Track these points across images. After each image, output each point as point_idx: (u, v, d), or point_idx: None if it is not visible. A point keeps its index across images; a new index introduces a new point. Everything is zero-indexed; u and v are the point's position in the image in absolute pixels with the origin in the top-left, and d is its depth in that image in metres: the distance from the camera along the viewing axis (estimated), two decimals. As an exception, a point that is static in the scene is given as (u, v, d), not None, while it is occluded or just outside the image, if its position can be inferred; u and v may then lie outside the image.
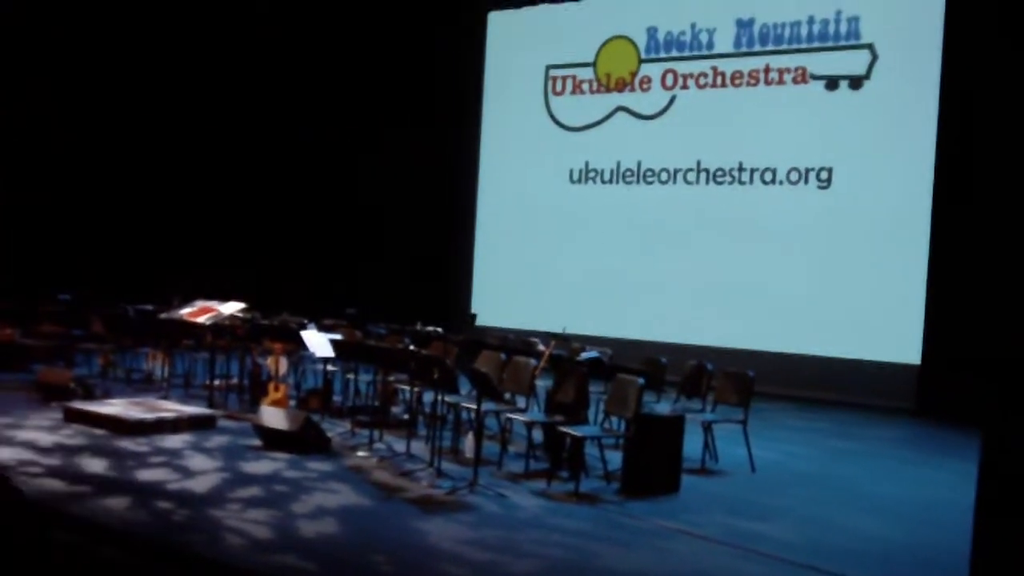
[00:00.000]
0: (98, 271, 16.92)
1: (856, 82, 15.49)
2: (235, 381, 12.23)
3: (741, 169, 16.51)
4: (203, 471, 8.31)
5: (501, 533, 6.96)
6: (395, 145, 19.64)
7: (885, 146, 15.18)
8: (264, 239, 19.86)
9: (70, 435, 9.50)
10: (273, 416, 9.59)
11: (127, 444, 9.22)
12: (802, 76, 16.00)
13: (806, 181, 15.89)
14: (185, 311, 11.53)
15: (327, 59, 19.83)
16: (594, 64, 18.20)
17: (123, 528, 6.57)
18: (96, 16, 17.93)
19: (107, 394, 11.70)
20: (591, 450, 9.19)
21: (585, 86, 18.32)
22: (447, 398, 9.47)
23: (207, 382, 11.92)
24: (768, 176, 16.23)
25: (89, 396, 11.28)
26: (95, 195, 18.10)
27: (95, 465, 8.28)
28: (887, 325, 14.89)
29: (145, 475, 8.05)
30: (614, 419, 10.05)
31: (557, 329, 10.52)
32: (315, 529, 6.75)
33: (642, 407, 8.65)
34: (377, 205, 19.95)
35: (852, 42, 15.60)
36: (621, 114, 17.84)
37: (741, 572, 6.49)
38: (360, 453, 9.44)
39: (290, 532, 6.66)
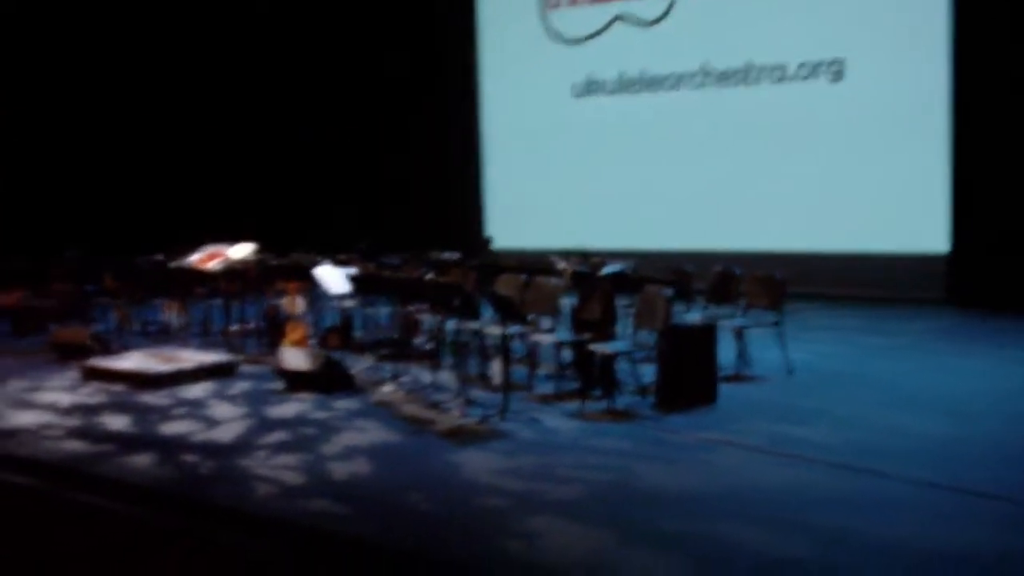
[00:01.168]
0: (104, 223, 16.63)
1: (865, -33, 14.94)
2: (252, 325, 12.01)
3: (749, 69, 16.03)
4: (227, 420, 8.12)
5: (538, 459, 6.76)
6: (391, 69, 19.18)
7: (898, 33, 14.67)
8: (270, 176, 19.53)
9: (90, 394, 9.33)
10: (293, 357, 9.39)
11: (148, 398, 9.04)
12: (807, -34, 15.44)
13: (817, 76, 15.42)
14: (194, 258, 11.28)
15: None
16: (590, -28, 17.66)
17: (151, 485, 6.39)
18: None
19: (125, 348, 11.52)
20: (622, 366, 8.97)
21: (582, -4, 17.81)
22: (470, 325, 9.24)
23: (224, 328, 11.70)
24: (777, 74, 15.75)
25: (106, 352, 11.09)
26: (95, 143, 17.75)
27: (117, 422, 8.11)
28: (912, 216, 14.50)
29: (169, 428, 7.87)
30: (643, 332, 9.79)
31: (574, 246, 10.23)
32: (347, 470, 6.57)
33: (672, 318, 8.39)
34: (377, 133, 19.56)
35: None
36: (621, 22, 17.34)
37: (788, 480, 6.27)
38: (385, 388, 9.24)
39: (322, 475, 6.47)
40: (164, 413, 8.44)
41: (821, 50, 15.27)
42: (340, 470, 6.57)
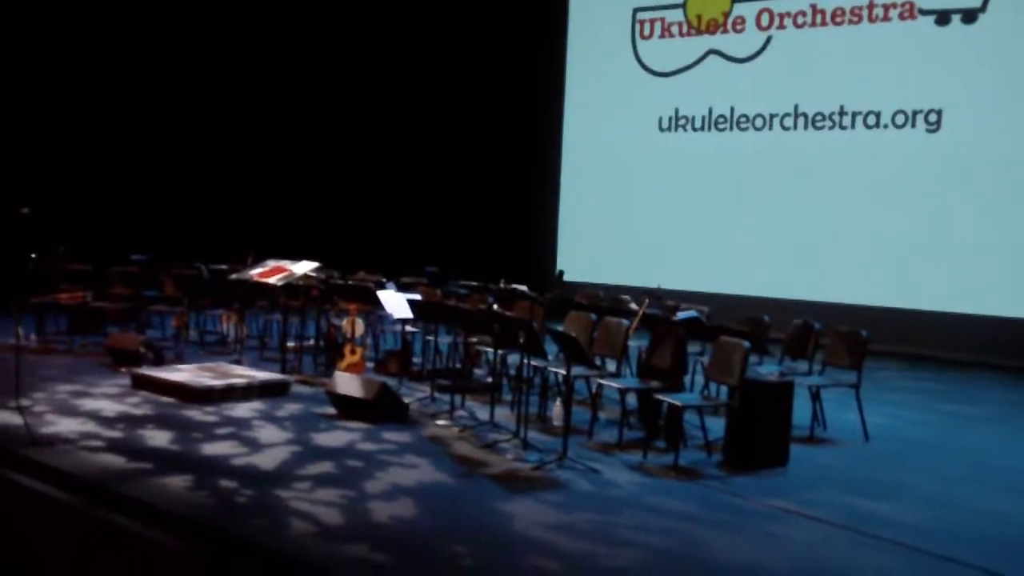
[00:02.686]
0: (175, 231, 16.50)
1: (970, 15, 14.34)
2: (311, 343, 11.69)
3: (842, 113, 15.47)
4: (272, 444, 7.74)
5: (594, 516, 6.27)
6: (477, 94, 18.91)
7: (1001, 85, 14.04)
8: (343, 195, 19.29)
9: (136, 403, 9.03)
10: (347, 383, 9.01)
11: (194, 413, 8.71)
12: (909, 11, 14.86)
13: (913, 124, 14.81)
14: (256, 271, 10.98)
15: (414, 6, 19.12)
16: (684, 5, 17.24)
17: (181, 511, 6.02)
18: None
19: (179, 358, 11.28)
20: (690, 418, 8.47)
21: (674, 29, 17.37)
22: (534, 362, 8.81)
23: (282, 345, 11.39)
24: (872, 120, 15.18)
25: (159, 361, 10.83)
26: (168, 153, 17.68)
27: (159, 438, 7.77)
28: (1002, 277, 13.83)
29: (210, 449, 7.51)
30: (714, 384, 9.27)
31: (650, 285, 9.74)
32: (389, 512, 6.13)
33: (746, 372, 7.88)
34: (459, 157, 19.28)
35: (965, -28, 14.43)
36: (713, 57, 16.87)
37: (864, 564, 5.72)
38: (440, 422, 8.83)
39: (362, 516, 6.04)
40: (208, 431, 8.10)
41: (919, 99, 14.72)
42: (382, 511, 6.14)
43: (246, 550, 5.56)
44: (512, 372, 9.83)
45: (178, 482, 6.58)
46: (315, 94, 19.19)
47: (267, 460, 7.25)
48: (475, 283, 12.03)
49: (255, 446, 7.66)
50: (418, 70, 19.32)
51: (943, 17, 14.52)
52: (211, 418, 8.59)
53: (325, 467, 7.12)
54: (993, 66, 14.09)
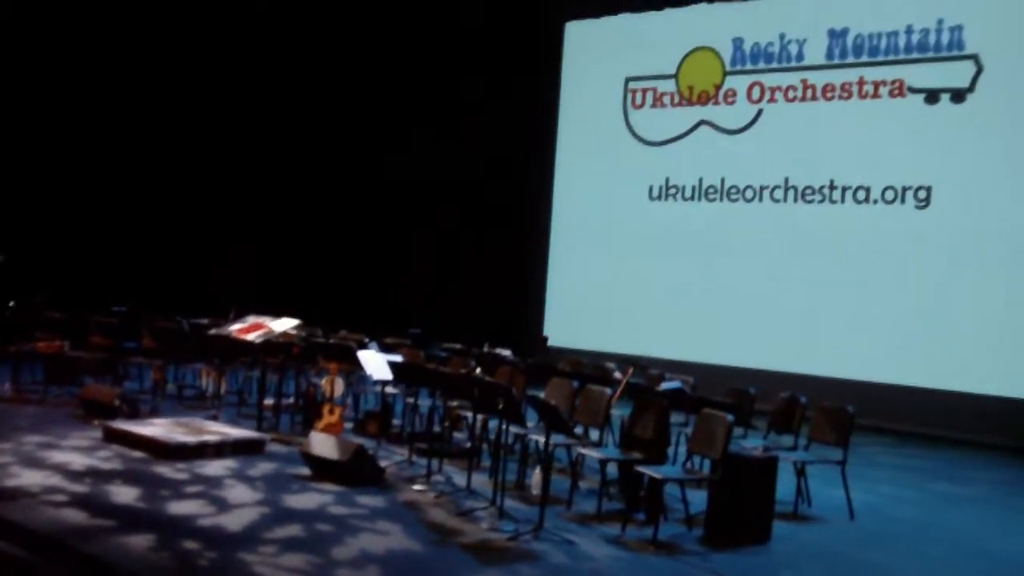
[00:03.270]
0: (157, 283, 16.38)
1: (959, 95, 14.39)
2: (291, 401, 11.51)
3: (832, 187, 15.46)
4: (241, 504, 7.54)
5: (568, 591, 6.09)
6: (469, 158, 18.90)
7: (990, 164, 14.05)
8: (330, 252, 19.21)
9: (106, 457, 8.82)
10: (323, 444, 8.82)
11: (165, 470, 8.50)
12: (899, 89, 14.91)
13: (903, 200, 14.79)
14: (235, 327, 10.83)
15: (405, 68, 19.18)
16: (676, 76, 17.29)
17: (140, 572, 5.82)
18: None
19: (155, 412, 11.08)
20: (672, 490, 8.29)
21: (666, 99, 17.41)
22: (514, 429, 8.64)
23: (259, 402, 11.19)
24: (861, 195, 15.17)
25: (134, 414, 10.63)
26: (152, 205, 17.60)
27: (125, 494, 7.57)
28: (992, 355, 13.71)
29: (177, 508, 7.30)
30: (697, 457, 9.10)
31: (637, 353, 9.63)
32: (356, 581, 5.94)
33: (729, 446, 7.71)
34: (450, 219, 19.22)
35: (955, 52, 14.49)
36: (704, 128, 16.89)
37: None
38: (416, 487, 8.63)
39: (328, 584, 5.85)
40: (177, 489, 7.89)
41: (908, 175, 14.73)
42: (349, 579, 5.95)
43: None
44: (492, 437, 9.66)
45: (139, 541, 6.38)
46: (305, 155, 19.18)
47: (234, 521, 7.05)
48: (459, 346, 11.91)
49: (223, 506, 7.46)
50: (407, 133, 19.34)
51: (932, 96, 14.56)
52: (181, 475, 8.38)
53: (293, 530, 6.91)
54: (981, 145, 14.11)
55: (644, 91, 17.70)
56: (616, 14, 18.04)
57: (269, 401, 11.28)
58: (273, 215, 18.88)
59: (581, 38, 18.66)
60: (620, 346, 15.09)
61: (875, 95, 15.14)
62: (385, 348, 11.68)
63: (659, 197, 17.31)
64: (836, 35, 15.61)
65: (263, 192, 18.71)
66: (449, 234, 19.20)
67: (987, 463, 12.64)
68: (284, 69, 18.90)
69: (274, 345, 11.04)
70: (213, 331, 11.38)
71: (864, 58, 15.31)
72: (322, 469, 8.67)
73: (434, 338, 12.49)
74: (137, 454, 9.03)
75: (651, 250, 17.22)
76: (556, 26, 18.74)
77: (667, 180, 17.22)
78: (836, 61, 15.59)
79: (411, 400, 10.58)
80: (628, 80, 17.87)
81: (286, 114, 18.91)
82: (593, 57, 18.41)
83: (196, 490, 7.90)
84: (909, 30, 14.88)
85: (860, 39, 15.36)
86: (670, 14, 17.38)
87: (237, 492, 7.94)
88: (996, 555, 8.03)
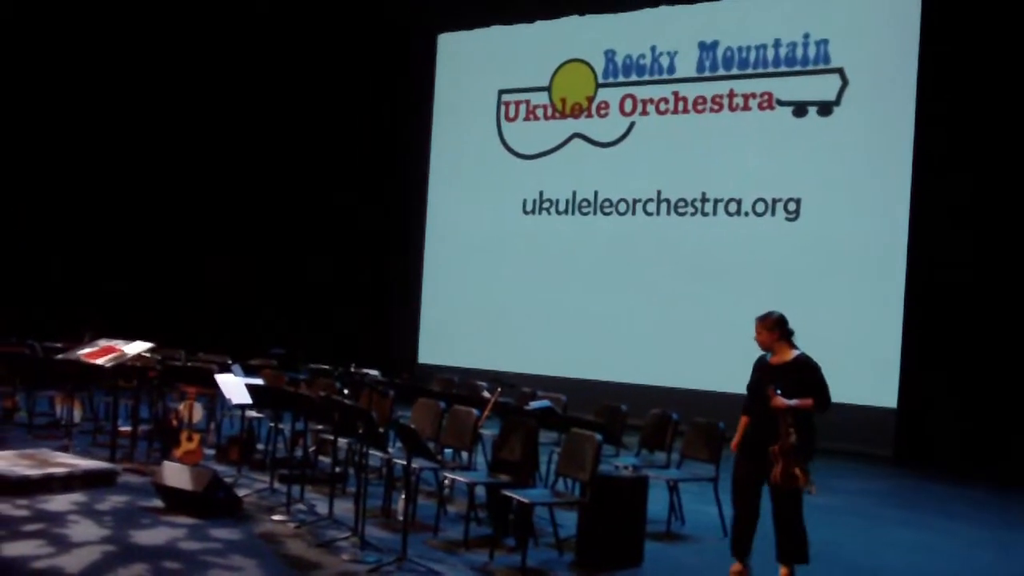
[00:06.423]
0: (8, 305, 15.57)
1: (825, 108, 14.56)
2: (146, 429, 10.95)
3: (704, 200, 15.50)
4: (84, 542, 7.05)
5: (429, 626, 5.79)
6: (338, 172, 18.51)
7: (857, 176, 14.23)
8: (194, 272, 18.59)
9: (-61, 496, 8.22)
10: (176, 473, 8.35)
11: (3, 507, 7.94)
12: (768, 102, 15.04)
13: (773, 212, 14.90)
14: (85, 351, 10.25)
15: (274, 85, 18.69)
16: (549, 88, 17.18)
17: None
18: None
19: (2, 443, 10.43)
20: (542, 512, 8.05)
21: (539, 111, 17.29)
22: (379, 453, 8.31)
23: (112, 430, 10.62)
24: (732, 207, 15.24)
25: (-25, 446, 10.00)
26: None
27: (-46, 536, 7.02)
28: (862, 365, 13.82)
29: (10, 549, 6.78)
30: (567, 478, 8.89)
31: (510, 369, 9.39)
32: (201, 625, 5.55)
33: (599, 466, 7.51)
34: (318, 235, 18.77)
35: (821, 66, 14.68)
36: (577, 141, 16.81)
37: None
38: (276, 517, 8.23)
39: (169, 629, 5.45)
40: (14, 527, 7.35)
41: (778, 187, 14.83)
42: (194, 623, 5.56)
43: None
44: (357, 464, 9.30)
45: (-36, 590, 5.88)
46: (173, 174, 18.55)
47: (74, 562, 6.57)
48: (326, 366, 11.52)
49: (64, 545, 6.97)
50: (276, 148, 18.86)
51: (800, 109, 14.71)
52: (21, 512, 7.83)
53: (137, 571, 6.47)
54: (848, 157, 14.29)
55: (517, 104, 17.56)
56: (489, 26, 17.87)
57: (125, 428, 10.73)
58: (137, 235, 18.16)
59: (454, 50, 18.44)
60: (495, 363, 14.89)
61: (745, 107, 15.25)
62: (249, 370, 11.24)
63: (533, 211, 17.17)
64: (706, 48, 15.69)
65: (125, 211, 17.99)
66: (321, 251, 18.73)
67: (859, 473, 12.73)
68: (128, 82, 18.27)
69: (127, 369, 10.48)
70: (61, 356, 10.77)
71: (734, 71, 15.41)
72: (175, 501, 8.21)
73: (301, 359, 12.06)
74: (-25, 490, 8.44)
75: (525, 265, 17.05)
76: (429, 39, 18.47)
77: (541, 194, 17.08)
78: (707, 74, 15.68)
79: (276, 424, 10.17)
80: (501, 92, 17.71)
81: (139, 130, 18.25)
82: (466, 69, 18.20)
83: (35, 528, 7.38)
84: (777, 43, 15.03)
85: (730, 52, 15.46)
86: (542, 26, 17.28)
87: (81, 529, 7.44)
88: (874, 569, 8.00)
